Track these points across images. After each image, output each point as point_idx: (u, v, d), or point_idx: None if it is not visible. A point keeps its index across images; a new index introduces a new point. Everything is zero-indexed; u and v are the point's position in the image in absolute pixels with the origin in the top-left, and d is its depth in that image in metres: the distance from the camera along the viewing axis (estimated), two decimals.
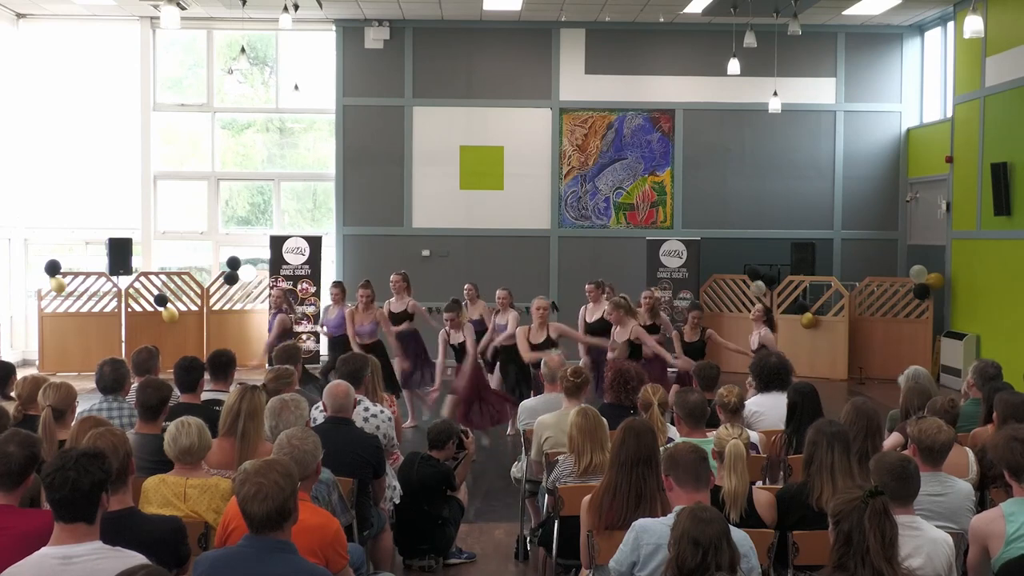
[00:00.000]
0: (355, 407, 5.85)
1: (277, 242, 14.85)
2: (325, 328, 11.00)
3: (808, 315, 14.43)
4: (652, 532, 3.83)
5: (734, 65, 14.02)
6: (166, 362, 6.92)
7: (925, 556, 3.82)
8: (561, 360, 7.12)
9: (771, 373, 6.66)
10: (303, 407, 5.15)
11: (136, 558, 3.31)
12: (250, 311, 15.20)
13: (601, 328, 10.09)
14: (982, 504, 4.98)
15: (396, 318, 10.71)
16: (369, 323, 10.45)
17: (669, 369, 9.87)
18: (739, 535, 3.75)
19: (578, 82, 15.81)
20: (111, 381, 5.97)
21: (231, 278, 14.96)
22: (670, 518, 3.63)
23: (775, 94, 14.15)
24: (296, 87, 15.13)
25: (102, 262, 14.72)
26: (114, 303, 14.48)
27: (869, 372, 14.31)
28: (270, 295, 11.53)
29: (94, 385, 6.15)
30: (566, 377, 6.44)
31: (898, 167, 16.00)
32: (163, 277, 14.92)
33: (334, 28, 15.61)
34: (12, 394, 6.03)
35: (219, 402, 5.73)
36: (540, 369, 7.44)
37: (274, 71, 16.15)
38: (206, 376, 6.39)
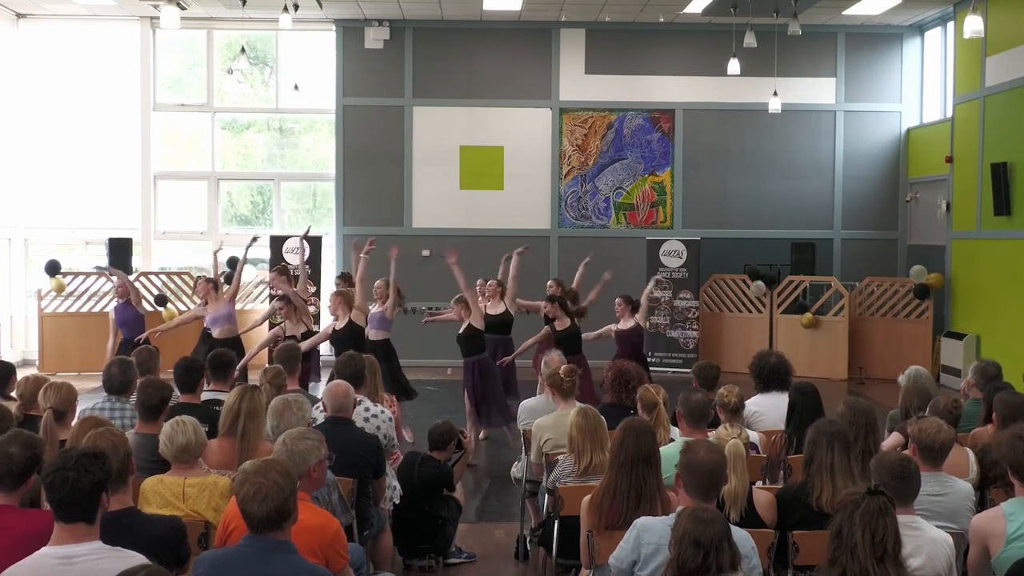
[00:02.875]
0: (355, 407, 5.85)
1: (277, 242, 14.86)
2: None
3: (808, 315, 14.43)
4: (654, 532, 3.83)
5: (734, 65, 14.02)
6: (166, 362, 6.92)
7: (925, 556, 3.81)
8: (561, 359, 7.11)
9: (771, 373, 6.66)
10: (306, 407, 5.15)
11: (136, 558, 3.31)
12: (250, 311, 15.17)
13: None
14: (982, 504, 4.97)
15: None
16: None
17: None
18: (741, 535, 3.75)
19: (578, 82, 15.81)
20: (119, 383, 5.96)
21: (231, 278, 14.94)
22: (672, 518, 3.63)
23: (775, 94, 14.15)
24: (296, 87, 15.14)
25: (102, 262, 14.72)
26: (114, 303, 14.45)
27: (869, 372, 14.31)
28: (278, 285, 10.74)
29: (95, 385, 6.15)
30: (560, 377, 6.44)
31: (898, 167, 16.00)
32: (163, 277, 14.93)
33: (334, 28, 15.61)
34: (12, 394, 6.03)
35: (219, 402, 5.73)
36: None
37: (274, 71, 16.16)
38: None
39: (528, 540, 6.62)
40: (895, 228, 16.06)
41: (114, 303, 11.46)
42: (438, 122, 15.74)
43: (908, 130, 15.91)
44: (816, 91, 15.82)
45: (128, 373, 6.02)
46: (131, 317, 10.98)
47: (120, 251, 14.38)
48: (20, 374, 6.38)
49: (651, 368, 13.99)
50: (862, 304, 14.74)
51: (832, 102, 15.88)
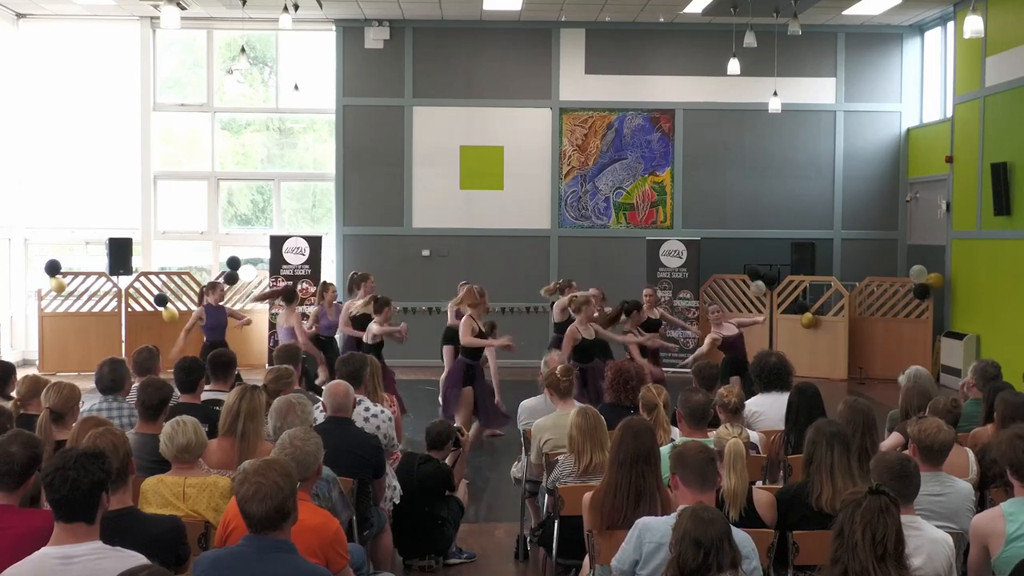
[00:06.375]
0: (355, 407, 5.85)
1: (277, 242, 14.86)
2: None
3: (808, 315, 14.43)
4: (655, 530, 3.84)
5: (734, 65, 14.01)
6: (166, 362, 6.92)
7: (925, 556, 3.81)
8: (561, 359, 7.11)
9: (771, 373, 6.66)
10: (308, 409, 5.15)
11: (136, 558, 3.32)
12: (250, 311, 15.17)
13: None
14: (982, 504, 4.98)
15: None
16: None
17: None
18: (742, 536, 3.75)
19: (578, 82, 15.80)
20: (110, 381, 5.96)
21: (231, 278, 14.95)
22: (673, 517, 3.63)
23: (775, 94, 14.14)
24: (296, 87, 15.14)
25: (102, 262, 14.72)
26: (114, 303, 14.48)
27: (869, 372, 14.31)
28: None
29: (94, 385, 6.14)
30: (556, 378, 6.44)
31: (898, 167, 16.00)
32: (163, 277, 14.93)
33: (334, 28, 15.61)
34: (12, 394, 6.03)
35: (219, 402, 5.73)
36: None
37: (274, 71, 16.15)
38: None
39: (528, 540, 6.62)
40: (895, 228, 16.06)
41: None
42: (438, 122, 15.73)
43: (908, 130, 15.91)
44: (816, 91, 15.81)
45: (119, 371, 6.03)
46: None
47: (120, 251, 14.37)
48: (20, 374, 6.37)
49: None
50: (862, 304, 14.74)
51: (832, 102, 15.88)
